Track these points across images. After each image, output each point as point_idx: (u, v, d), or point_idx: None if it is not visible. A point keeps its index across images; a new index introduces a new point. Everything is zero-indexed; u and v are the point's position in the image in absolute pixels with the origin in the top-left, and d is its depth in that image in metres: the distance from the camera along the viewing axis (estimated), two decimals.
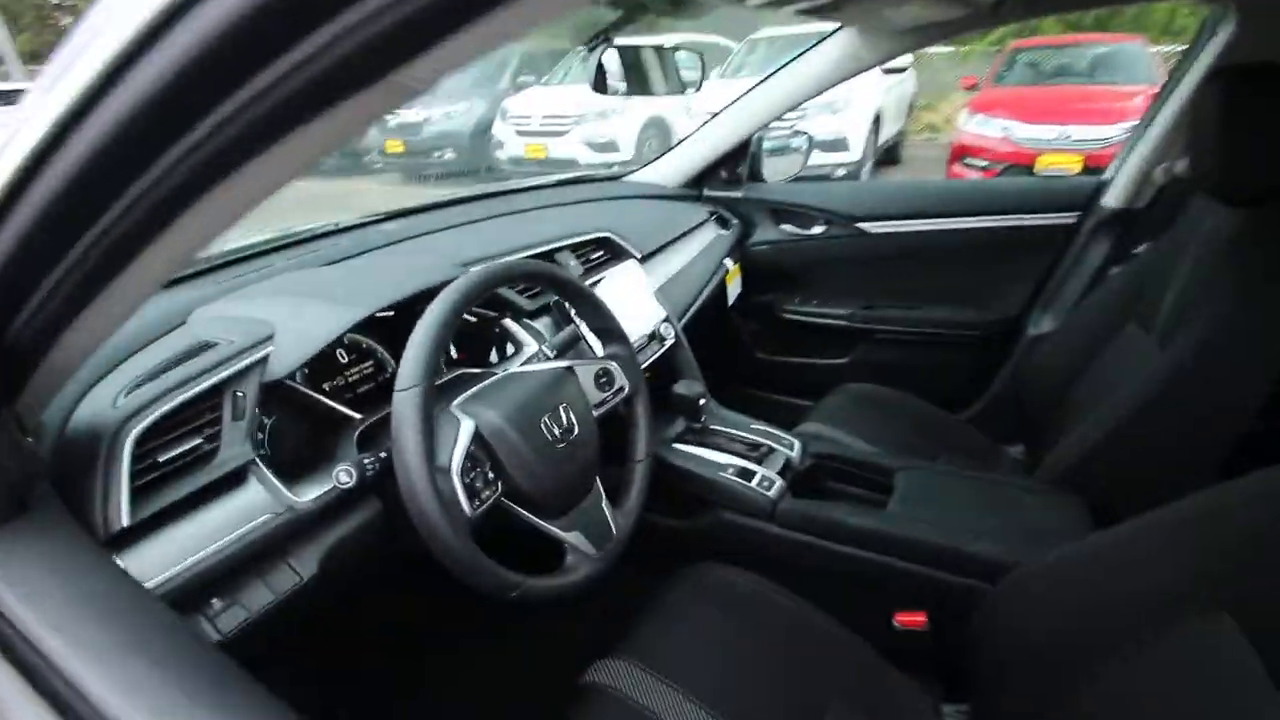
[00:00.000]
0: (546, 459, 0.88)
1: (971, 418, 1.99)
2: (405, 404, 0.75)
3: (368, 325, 0.95)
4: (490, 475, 0.85)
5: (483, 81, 8.19)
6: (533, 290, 1.26)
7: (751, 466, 1.31)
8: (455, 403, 0.89)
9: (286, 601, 0.81)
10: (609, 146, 7.27)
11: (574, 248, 1.42)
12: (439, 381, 0.96)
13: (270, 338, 0.87)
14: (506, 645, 1.39)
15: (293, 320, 0.90)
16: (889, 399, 1.78)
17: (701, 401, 1.35)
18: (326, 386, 0.99)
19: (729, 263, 2.02)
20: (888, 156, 8.04)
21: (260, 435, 0.86)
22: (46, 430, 0.69)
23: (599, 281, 1.39)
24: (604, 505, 0.99)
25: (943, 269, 2.01)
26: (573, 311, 1.20)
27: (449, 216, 1.54)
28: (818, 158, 2.81)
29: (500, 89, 8.29)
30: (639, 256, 1.57)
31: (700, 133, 2.09)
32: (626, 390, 1.07)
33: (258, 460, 0.83)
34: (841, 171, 6.45)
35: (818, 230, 2.10)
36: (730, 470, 1.29)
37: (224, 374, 0.83)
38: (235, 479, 0.81)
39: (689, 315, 1.73)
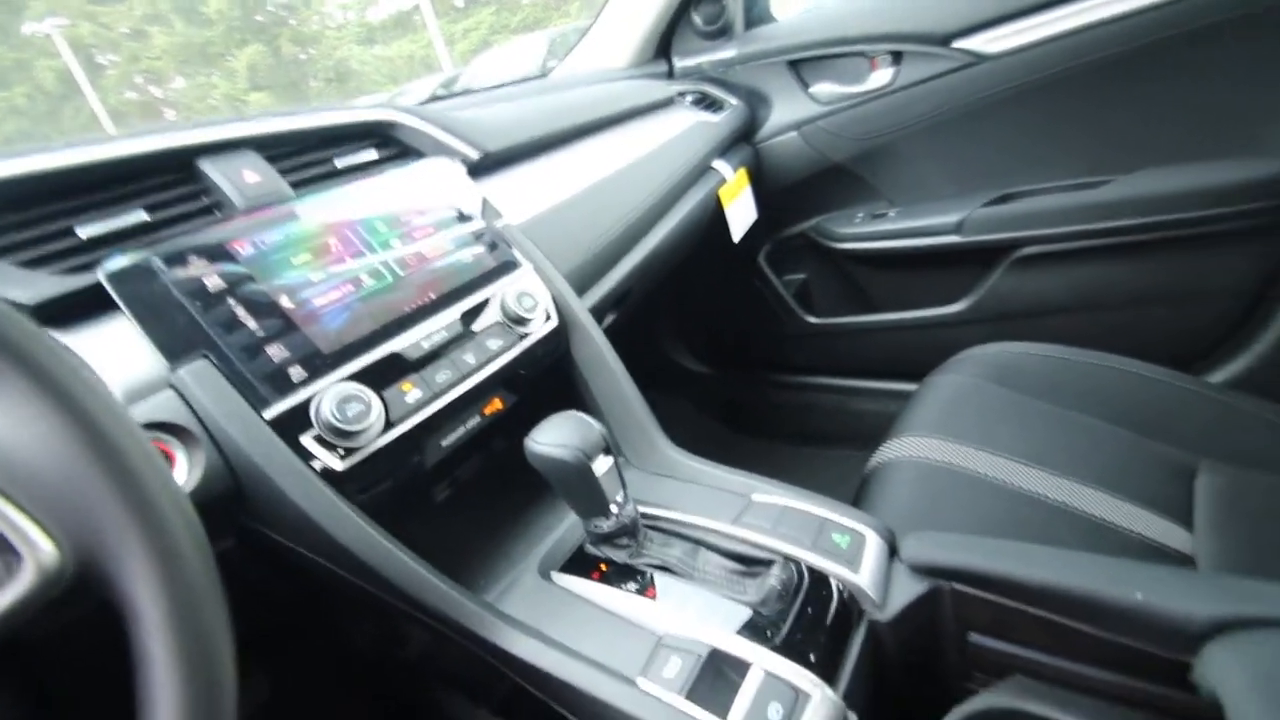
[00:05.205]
0: None
1: (1237, 379, 1.01)
2: None
3: None
4: None
5: None
6: None
7: (734, 652, 0.45)
8: None
9: None
10: None
11: (275, 145, 0.61)
12: None
13: None
14: None
15: None
16: (1068, 365, 0.86)
17: (601, 467, 0.50)
18: None
19: (725, 167, 1.14)
20: None
21: None
22: None
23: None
24: None
25: (1158, 87, 1.00)
26: None
27: None
28: None
29: None
30: (474, 158, 0.74)
31: None
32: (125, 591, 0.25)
33: None
34: None
35: (881, 78, 1.15)
36: (679, 669, 0.44)
37: None
38: None
39: (632, 269, 0.88)
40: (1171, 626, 0.40)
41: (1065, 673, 0.47)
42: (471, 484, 0.68)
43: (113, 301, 0.44)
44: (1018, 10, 0.99)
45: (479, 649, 0.48)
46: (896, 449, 0.76)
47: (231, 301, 0.47)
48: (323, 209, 0.57)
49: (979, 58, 1.04)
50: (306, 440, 0.46)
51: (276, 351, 0.47)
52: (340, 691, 0.74)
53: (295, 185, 0.59)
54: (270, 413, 0.45)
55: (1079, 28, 0.96)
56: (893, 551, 0.54)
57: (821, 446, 1.39)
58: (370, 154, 0.67)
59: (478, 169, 0.73)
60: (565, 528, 0.61)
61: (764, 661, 0.44)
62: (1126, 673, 0.44)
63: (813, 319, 1.36)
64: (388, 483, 0.53)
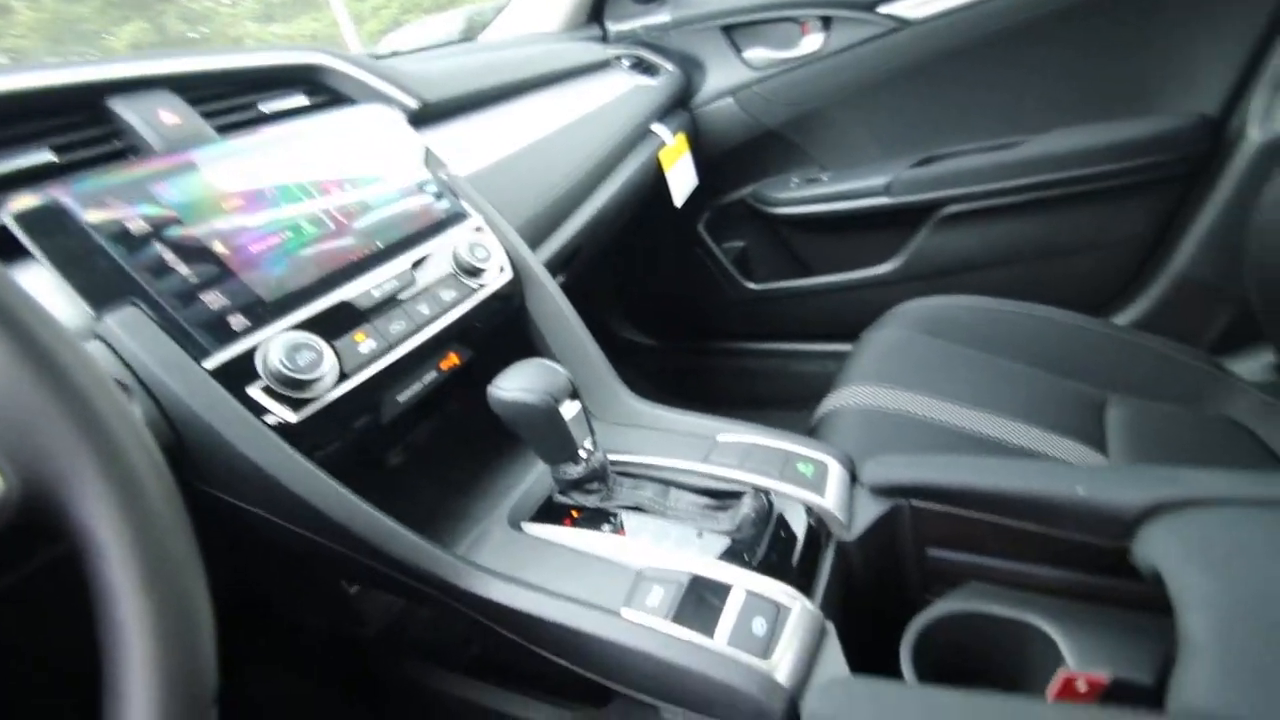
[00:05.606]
0: None
1: (1138, 320, 1.10)
2: None
3: None
4: None
5: None
6: None
7: (715, 576, 0.46)
8: None
9: None
10: None
11: (193, 86, 0.56)
12: None
13: None
14: None
15: None
16: (990, 315, 0.91)
17: (569, 411, 0.50)
18: None
19: (665, 131, 1.14)
20: None
21: None
22: None
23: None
24: None
25: (1067, 52, 1.07)
26: None
27: None
28: None
29: None
30: (413, 107, 0.71)
31: None
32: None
33: None
34: None
35: (813, 43, 1.18)
36: (661, 596, 0.44)
37: None
38: None
39: (580, 228, 0.87)
40: (1110, 515, 0.44)
41: (1016, 574, 0.51)
42: (427, 449, 0.65)
43: (21, 248, 0.40)
44: None
45: (453, 599, 0.46)
46: (840, 399, 0.79)
47: (159, 246, 0.43)
48: (253, 152, 0.53)
49: (903, 23, 1.08)
50: (254, 392, 0.43)
51: (213, 299, 0.44)
52: (306, 677, 0.70)
53: (218, 130, 0.55)
54: (211, 363, 0.42)
55: None
56: (853, 479, 0.57)
57: (765, 410, 1.43)
58: (299, 99, 0.63)
59: (416, 120, 0.70)
60: (531, 481, 0.60)
61: (744, 581, 0.45)
62: (1073, 567, 0.48)
63: (752, 285, 1.38)
64: (338, 443, 0.50)
